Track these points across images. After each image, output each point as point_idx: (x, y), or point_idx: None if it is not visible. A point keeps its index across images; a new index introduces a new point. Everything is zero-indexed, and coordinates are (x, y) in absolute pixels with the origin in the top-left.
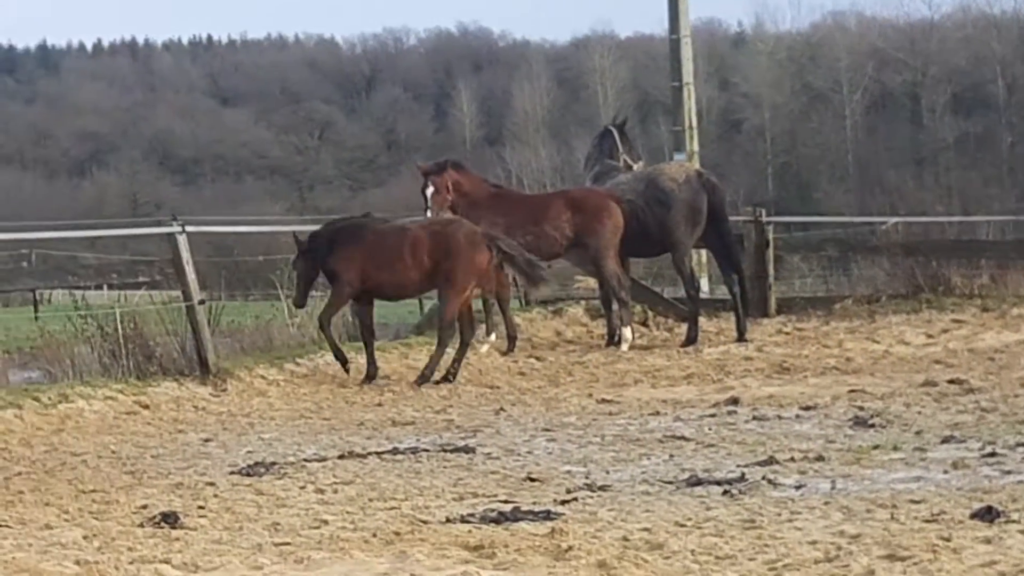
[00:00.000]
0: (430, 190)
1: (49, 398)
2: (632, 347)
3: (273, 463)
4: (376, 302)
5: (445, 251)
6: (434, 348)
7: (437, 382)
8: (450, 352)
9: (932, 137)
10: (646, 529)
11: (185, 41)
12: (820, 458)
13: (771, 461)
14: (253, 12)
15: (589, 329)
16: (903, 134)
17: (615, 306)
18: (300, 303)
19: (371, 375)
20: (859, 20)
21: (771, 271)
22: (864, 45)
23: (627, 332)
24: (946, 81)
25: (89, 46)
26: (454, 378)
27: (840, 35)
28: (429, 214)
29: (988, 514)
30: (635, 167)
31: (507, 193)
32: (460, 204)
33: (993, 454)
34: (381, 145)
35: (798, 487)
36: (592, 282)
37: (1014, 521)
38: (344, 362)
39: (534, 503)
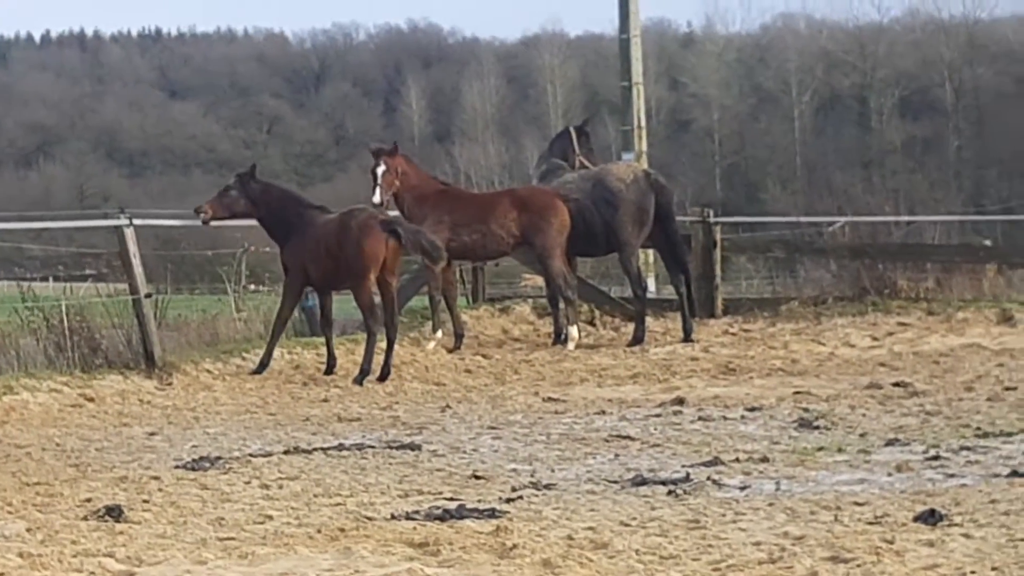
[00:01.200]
0: (381, 168)
1: None
2: (578, 346)
3: (218, 458)
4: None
5: (341, 241)
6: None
7: (365, 373)
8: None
9: (880, 140)
10: (591, 528)
11: (134, 33)
12: (765, 459)
13: (716, 462)
14: (202, 5)
15: (536, 327)
16: (851, 136)
17: (561, 305)
18: None
19: (330, 367)
20: (808, 22)
21: (718, 272)
22: (813, 47)
23: (573, 331)
24: (894, 84)
25: (37, 37)
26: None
27: (790, 37)
28: (378, 193)
29: (931, 517)
30: (588, 167)
31: (454, 191)
32: (407, 199)
33: (937, 457)
34: (330, 140)
35: (742, 488)
36: (539, 280)
37: (956, 524)
38: (263, 367)
39: (479, 501)
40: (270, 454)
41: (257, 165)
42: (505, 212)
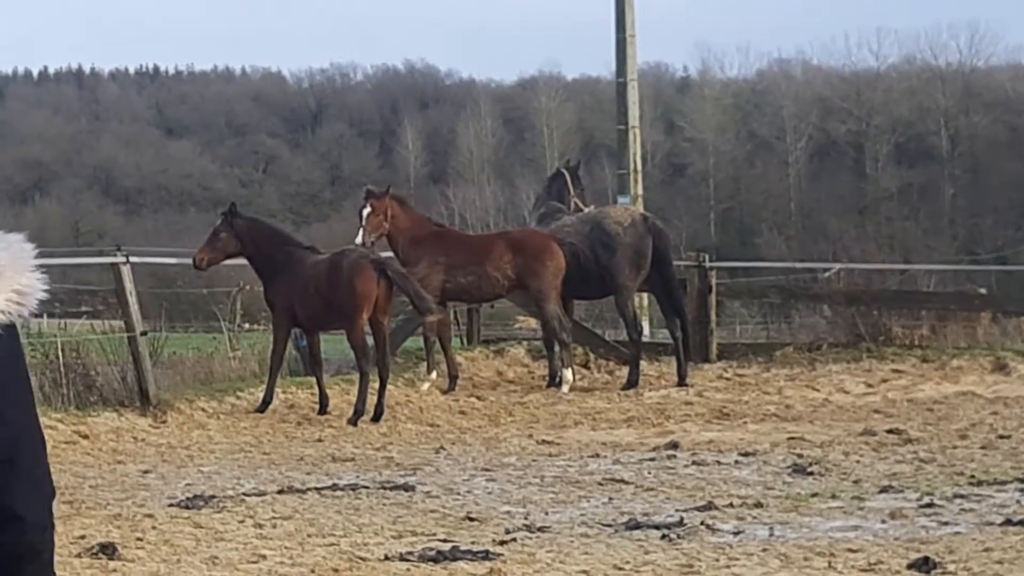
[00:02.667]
0: (366, 210)
1: None
2: (573, 389)
3: (212, 496)
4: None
5: (332, 281)
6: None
7: (359, 413)
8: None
9: (875, 186)
10: (584, 572)
11: (132, 71)
12: (759, 504)
13: (710, 506)
14: (200, 44)
15: (530, 370)
16: (846, 183)
17: (556, 347)
18: None
19: (323, 406)
20: (805, 68)
21: (713, 316)
22: (809, 93)
23: (568, 374)
24: (890, 131)
25: (35, 73)
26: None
27: (786, 83)
28: (360, 234)
29: (925, 565)
30: (585, 210)
31: (449, 233)
32: (400, 241)
33: (931, 505)
34: (325, 180)
35: (736, 533)
36: (533, 323)
37: (950, 572)
38: (266, 405)
39: (473, 543)
40: (264, 493)
41: (236, 203)
42: (500, 254)
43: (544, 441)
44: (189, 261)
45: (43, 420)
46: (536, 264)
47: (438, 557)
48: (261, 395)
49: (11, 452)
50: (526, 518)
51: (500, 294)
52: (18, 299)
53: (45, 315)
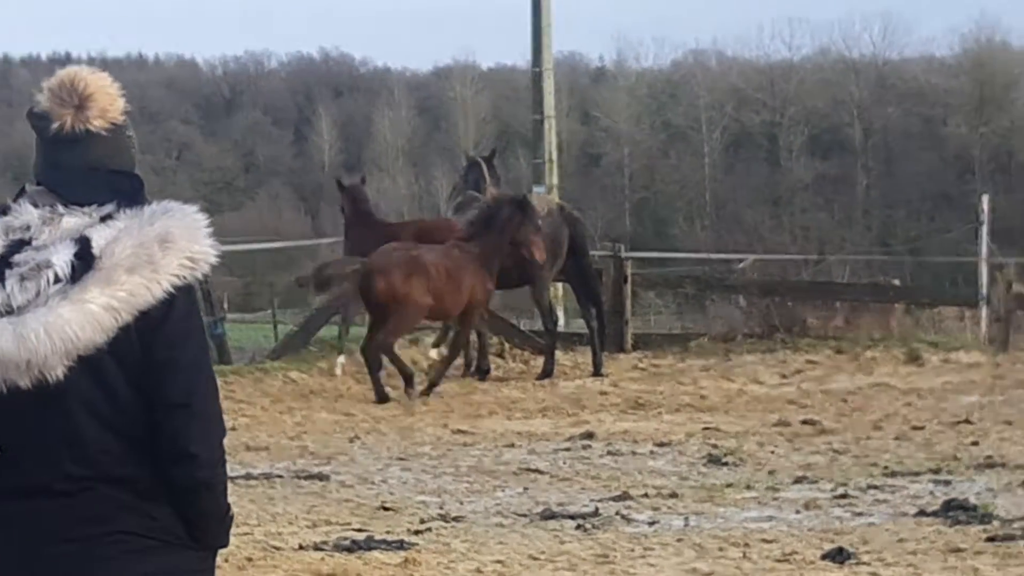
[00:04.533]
0: None
1: None
2: (488, 379)
3: None
4: None
5: None
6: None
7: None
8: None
9: (789, 177)
10: (499, 562)
11: (44, 57)
12: (674, 495)
13: (625, 496)
14: (113, 30)
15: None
16: (760, 174)
17: (473, 337)
18: None
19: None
20: (719, 59)
21: (628, 307)
22: (724, 84)
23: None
24: (804, 122)
25: None
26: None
27: (701, 74)
28: None
29: (839, 555)
30: None
31: (370, 220)
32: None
33: (845, 495)
34: (239, 168)
35: (651, 523)
36: None
37: (864, 563)
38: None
39: (387, 532)
40: None
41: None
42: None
43: (459, 431)
44: None
45: None
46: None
47: (352, 547)
48: None
49: (187, 397)
50: (441, 508)
51: None
52: (191, 264)
53: None
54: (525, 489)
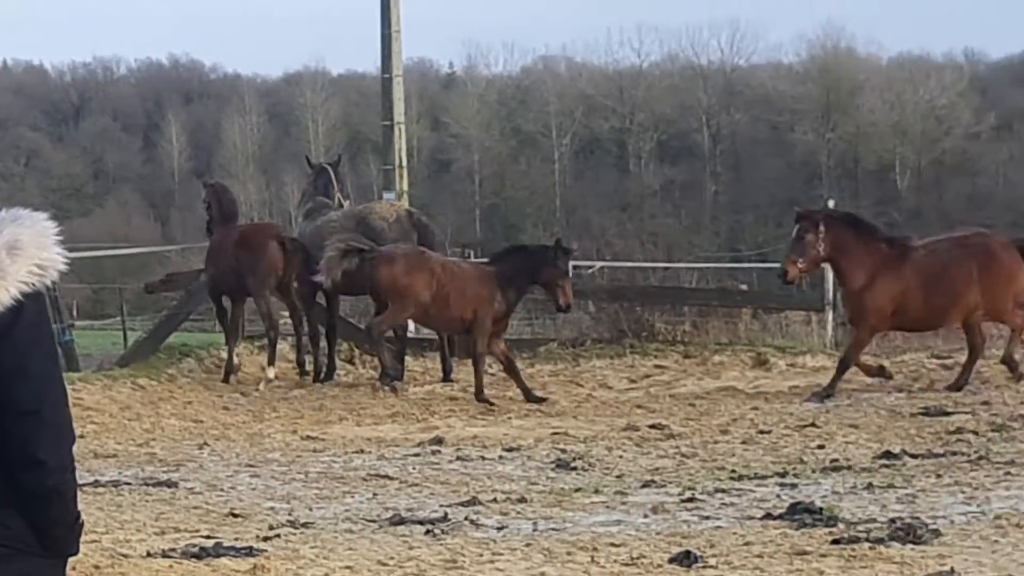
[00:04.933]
0: None
1: None
2: (337, 385)
3: None
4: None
5: None
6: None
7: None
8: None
9: (638, 183)
10: (348, 567)
11: None
12: (522, 499)
13: (474, 501)
14: None
15: (295, 365)
16: (610, 180)
17: (323, 343)
18: None
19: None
20: (569, 65)
21: None
22: (573, 90)
23: (270, 372)
24: (653, 128)
25: None
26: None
27: (550, 80)
28: None
29: (686, 559)
30: (346, 205)
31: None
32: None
33: (692, 499)
34: (88, 174)
35: (500, 528)
36: None
37: (711, 566)
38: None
39: (236, 539)
40: None
41: None
42: (231, 248)
43: (308, 437)
44: None
45: None
46: (254, 258)
47: (201, 553)
48: None
49: (37, 404)
50: (290, 514)
51: (234, 287)
52: (40, 271)
53: None
54: (374, 495)
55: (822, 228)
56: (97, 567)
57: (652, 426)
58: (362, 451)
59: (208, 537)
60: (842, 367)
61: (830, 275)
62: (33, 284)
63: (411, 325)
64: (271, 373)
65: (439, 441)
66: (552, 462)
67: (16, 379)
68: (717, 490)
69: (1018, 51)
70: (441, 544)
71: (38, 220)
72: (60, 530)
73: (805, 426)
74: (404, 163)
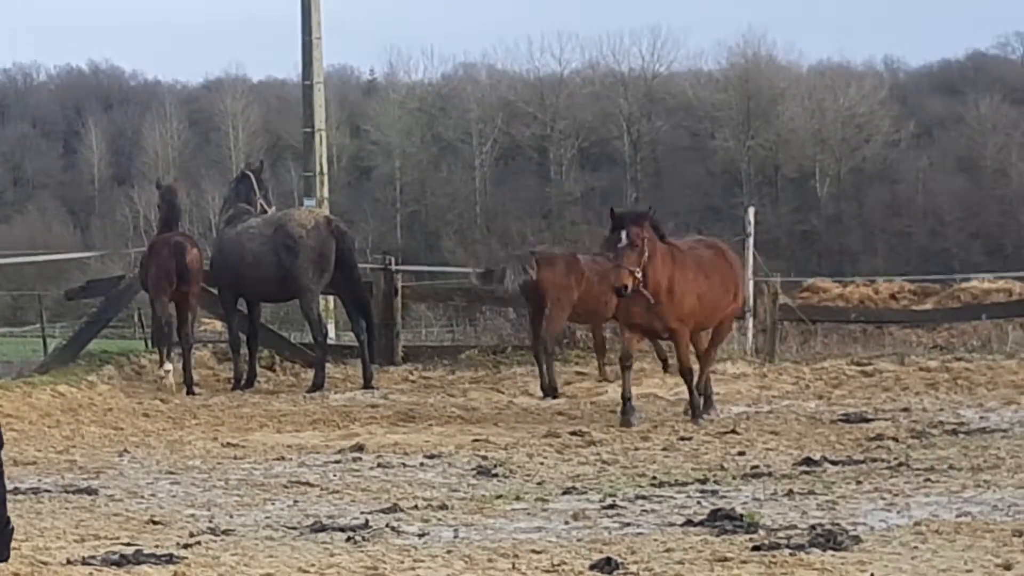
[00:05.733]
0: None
1: None
2: (258, 392)
3: None
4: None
5: None
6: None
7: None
8: None
9: (559, 190)
10: (269, 574)
11: None
12: (443, 506)
13: (395, 508)
14: None
15: (215, 372)
16: (531, 187)
17: (242, 349)
18: None
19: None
20: (489, 72)
21: (399, 319)
22: (494, 97)
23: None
24: (574, 136)
25: None
26: None
27: (471, 87)
28: None
29: (607, 565)
30: (269, 211)
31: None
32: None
33: (613, 506)
34: (7, 180)
35: (421, 535)
36: (219, 325)
37: (632, 573)
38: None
39: (156, 546)
40: None
41: None
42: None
43: (229, 444)
44: None
45: None
46: (147, 262)
47: (121, 561)
48: None
49: None
50: (211, 521)
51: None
52: None
53: None
54: (295, 502)
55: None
56: (17, 575)
57: (573, 433)
58: (283, 458)
59: (128, 544)
60: (687, 377)
61: (751, 282)
62: None
63: (332, 331)
64: (169, 367)
65: (360, 448)
66: (473, 469)
67: None
68: (638, 496)
69: (937, 59)
70: (362, 551)
71: None
72: None
73: (726, 433)
74: (324, 170)
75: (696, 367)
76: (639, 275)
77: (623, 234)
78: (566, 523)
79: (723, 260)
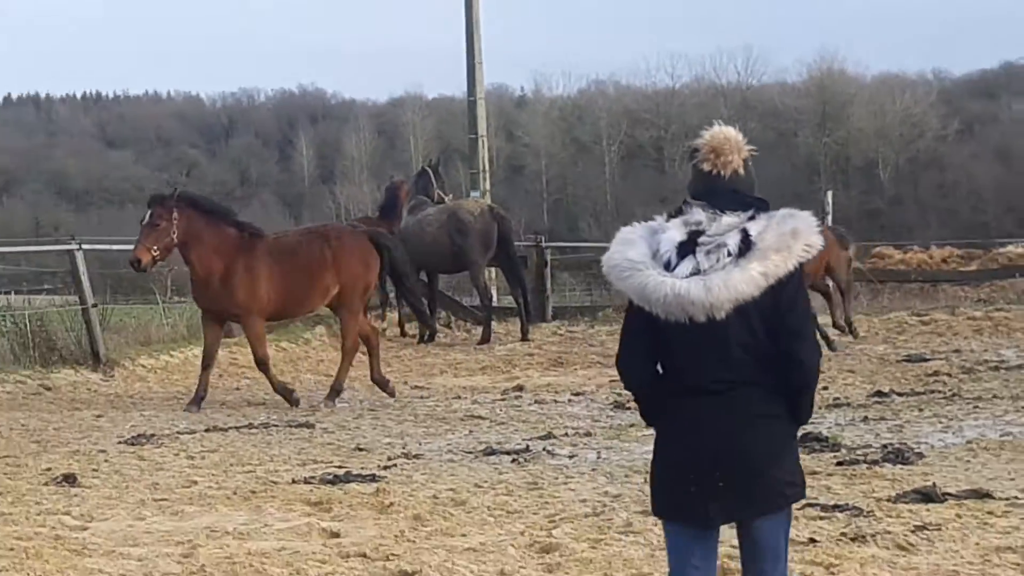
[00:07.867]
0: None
1: None
2: (438, 344)
3: (152, 435)
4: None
5: None
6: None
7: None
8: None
9: (673, 181)
10: (452, 489)
11: (79, 95)
12: (588, 434)
13: (549, 436)
14: (134, 71)
15: (404, 331)
16: (650, 178)
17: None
18: None
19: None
20: (616, 87)
21: (548, 285)
22: (620, 107)
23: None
24: (684, 136)
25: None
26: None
27: (601, 99)
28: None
29: None
30: (446, 200)
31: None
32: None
33: None
34: (236, 182)
35: (571, 456)
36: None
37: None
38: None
39: (362, 468)
40: (194, 432)
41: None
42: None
43: (416, 386)
44: (128, 247)
45: (14, 376)
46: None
47: (335, 480)
48: (189, 353)
49: (800, 328)
50: (404, 448)
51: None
52: (807, 250)
53: (13, 291)
54: (470, 431)
55: (175, 214)
56: (253, 492)
57: None
58: (459, 397)
59: (340, 467)
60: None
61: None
62: (801, 258)
63: (495, 296)
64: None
65: (520, 388)
66: (611, 403)
67: (788, 315)
68: None
69: (976, 69)
70: (524, 470)
71: (804, 216)
72: (806, 399)
73: None
74: (486, 168)
75: None
76: (156, 253)
77: (148, 215)
78: None
79: (320, 249)
